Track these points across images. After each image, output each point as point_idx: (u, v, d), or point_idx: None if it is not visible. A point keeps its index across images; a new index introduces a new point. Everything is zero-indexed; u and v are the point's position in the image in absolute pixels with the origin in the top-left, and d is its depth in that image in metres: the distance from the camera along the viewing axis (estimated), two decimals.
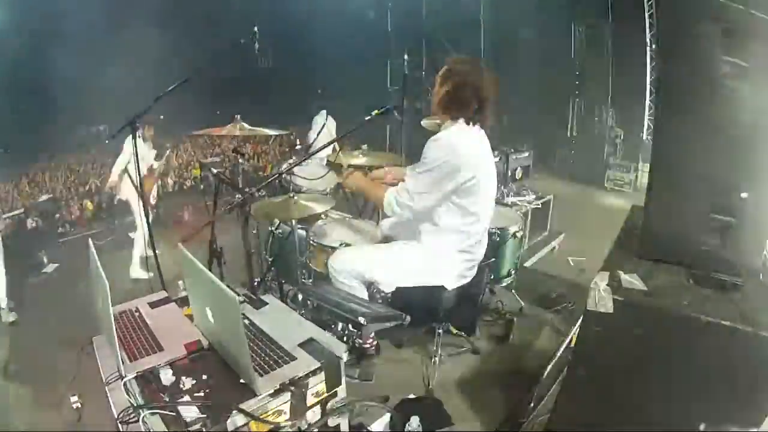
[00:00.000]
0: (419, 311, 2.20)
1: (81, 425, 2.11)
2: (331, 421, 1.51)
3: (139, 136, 2.97)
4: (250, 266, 2.18)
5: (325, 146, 2.47)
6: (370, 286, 2.23)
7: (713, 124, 1.59)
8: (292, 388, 1.38)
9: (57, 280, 3.95)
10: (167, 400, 1.31)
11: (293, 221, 2.61)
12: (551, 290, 3.31)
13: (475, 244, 2.16)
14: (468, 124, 2.03)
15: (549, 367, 2.43)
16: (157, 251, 2.71)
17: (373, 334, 2.29)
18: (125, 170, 3.75)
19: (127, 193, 3.85)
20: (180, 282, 1.88)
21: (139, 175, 2.67)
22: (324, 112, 5.30)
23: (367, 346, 2.29)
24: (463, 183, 1.98)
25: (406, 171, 2.18)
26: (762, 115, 1.52)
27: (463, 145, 1.99)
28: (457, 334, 2.61)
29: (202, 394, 1.33)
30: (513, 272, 2.93)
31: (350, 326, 1.87)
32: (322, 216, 2.82)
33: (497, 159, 2.17)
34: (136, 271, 3.79)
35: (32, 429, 2.22)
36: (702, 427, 1.47)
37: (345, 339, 1.91)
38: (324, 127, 4.55)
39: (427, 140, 2.18)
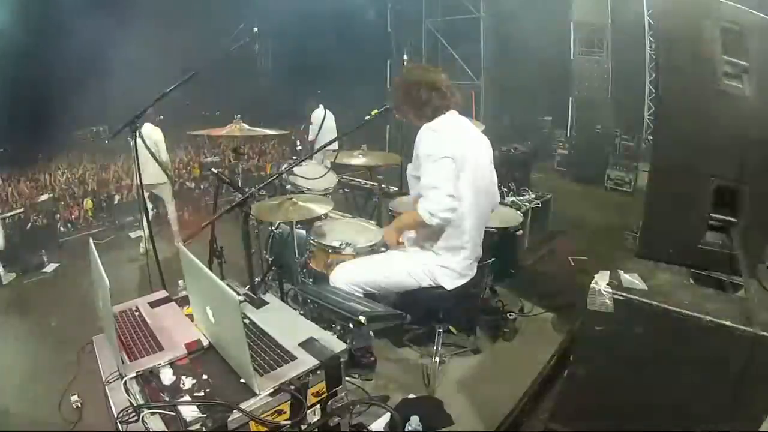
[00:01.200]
0: (419, 311, 2.20)
1: (81, 425, 2.11)
2: (331, 421, 1.51)
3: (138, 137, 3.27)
4: (250, 266, 2.18)
5: (324, 146, 2.47)
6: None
7: (713, 124, 1.59)
8: (292, 387, 1.38)
9: (57, 280, 3.95)
10: (167, 399, 1.31)
11: (293, 222, 2.61)
12: (551, 290, 3.31)
13: (469, 240, 2.13)
14: (443, 114, 2.08)
15: (549, 367, 2.43)
16: (157, 250, 2.71)
17: (371, 347, 2.29)
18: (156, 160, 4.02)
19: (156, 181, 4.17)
20: (180, 281, 1.88)
21: (139, 170, 2.68)
22: (321, 106, 5.31)
23: (365, 360, 2.28)
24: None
25: (412, 174, 2.13)
26: (762, 114, 1.52)
27: (451, 130, 2.04)
28: (457, 334, 2.61)
29: (202, 393, 1.33)
30: (513, 272, 2.93)
31: (350, 325, 1.86)
32: (322, 216, 2.82)
33: (497, 160, 2.18)
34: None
35: (32, 429, 2.22)
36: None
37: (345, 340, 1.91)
38: (323, 122, 4.56)
39: None
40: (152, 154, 3.71)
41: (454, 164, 1.96)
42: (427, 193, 1.95)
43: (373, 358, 2.37)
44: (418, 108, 2.09)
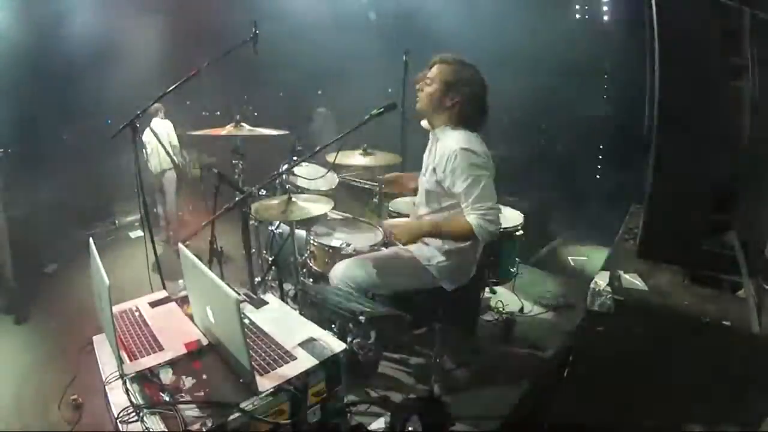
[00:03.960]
0: (419, 311, 2.20)
1: (81, 425, 2.11)
2: (331, 421, 1.51)
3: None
4: (250, 266, 2.18)
5: (324, 146, 2.46)
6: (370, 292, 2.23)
7: (713, 125, 1.59)
8: (292, 387, 1.38)
9: (57, 280, 3.95)
10: (167, 399, 1.31)
11: (293, 222, 2.61)
12: (551, 290, 3.32)
13: (474, 243, 2.14)
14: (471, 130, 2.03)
15: (549, 368, 2.43)
16: (157, 250, 2.71)
17: (372, 347, 2.28)
18: (168, 154, 4.43)
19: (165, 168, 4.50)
20: (180, 281, 1.88)
21: (139, 167, 2.69)
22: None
23: (367, 359, 2.27)
24: None
25: (434, 190, 2.08)
26: (762, 114, 1.52)
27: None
28: (457, 333, 2.60)
29: (202, 393, 1.33)
30: (513, 272, 2.93)
31: (350, 325, 1.86)
32: (322, 216, 2.81)
33: (498, 160, 2.20)
34: None
35: (32, 429, 2.22)
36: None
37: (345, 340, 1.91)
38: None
39: (426, 141, 2.17)
40: (163, 145, 4.28)
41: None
42: (487, 212, 1.89)
43: (375, 359, 2.37)
44: (464, 110, 2.01)
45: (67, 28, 4.67)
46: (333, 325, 1.94)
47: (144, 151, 4.41)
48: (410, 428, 1.85)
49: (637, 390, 1.58)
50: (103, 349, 1.56)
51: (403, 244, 2.13)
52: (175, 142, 4.56)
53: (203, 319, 1.58)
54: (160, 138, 4.36)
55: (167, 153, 4.41)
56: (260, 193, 2.59)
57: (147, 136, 4.39)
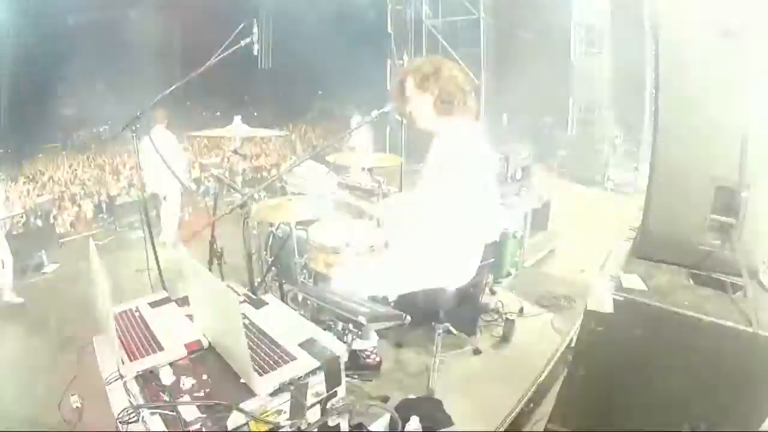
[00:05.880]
0: (419, 311, 2.19)
1: (81, 425, 2.11)
2: (331, 421, 1.51)
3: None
4: (250, 266, 2.18)
5: (324, 146, 2.47)
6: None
7: (713, 124, 1.59)
8: (292, 387, 1.38)
9: (57, 280, 3.95)
10: (167, 399, 1.31)
11: (293, 222, 2.61)
12: (551, 290, 3.31)
13: (473, 243, 2.15)
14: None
15: (549, 367, 2.43)
16: (157, 251, 2.71)
17: (375, 348, 2.29)
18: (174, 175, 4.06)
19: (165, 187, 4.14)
20: (180, 282, 1.87)
21: (140, 170, 2.69)
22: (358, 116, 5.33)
23: (370, 360, 2.28)
24: None
25: (460, 187, 2.11)
26: (761, 114, 1.52)
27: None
28: (457, 334, 2.61)
29: (202, 393, 1.33)
30: (513, 272, 2.93)
31: (350, 326, 1.86)
32: (321, 216, 2.81)
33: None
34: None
35: (32, 429, 2.22)
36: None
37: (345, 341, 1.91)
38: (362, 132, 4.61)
39: (427, 141, 2.18)
40: (169, 167, 3.61)
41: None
42: (488, 210, 1.98)
43: (378, 359, 2.37)
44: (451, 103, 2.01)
45: (68, 28, 4.67)
46: (333, 326, 1.94)
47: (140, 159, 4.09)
48: (410, 429, 1.84)
49: (637, 390, 1.58)
50: (103, 349, 1.56)
51: (399, 235, 2.13)
52: (181, 161, 4.15)
53: (203, 320, 1.58)
54: (163, 157, 4.00)
55: (173, 174, 3.80)
56: (259, 194, 2.59)
57: (146, 151, 3.79)
